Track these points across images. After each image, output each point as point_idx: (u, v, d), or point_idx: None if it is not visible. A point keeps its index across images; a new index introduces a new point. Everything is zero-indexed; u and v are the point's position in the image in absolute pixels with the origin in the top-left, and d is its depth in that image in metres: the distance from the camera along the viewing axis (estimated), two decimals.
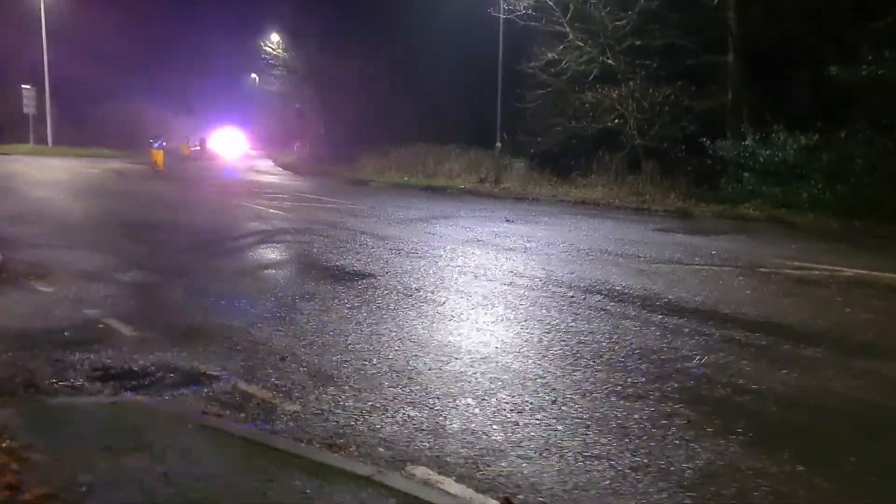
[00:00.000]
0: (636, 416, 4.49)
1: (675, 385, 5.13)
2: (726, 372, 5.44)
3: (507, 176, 24.18)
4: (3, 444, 3.26)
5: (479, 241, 12.04)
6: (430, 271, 9.16)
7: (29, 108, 42.21)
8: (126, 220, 13.63)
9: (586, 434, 4.19)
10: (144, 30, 56.65)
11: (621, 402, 4.75)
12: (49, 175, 24.31)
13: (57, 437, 3.48)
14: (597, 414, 4.50)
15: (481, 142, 26.45)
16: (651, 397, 4.85)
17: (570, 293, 8.10)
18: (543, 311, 7.23)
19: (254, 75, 77.79)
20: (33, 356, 5.17)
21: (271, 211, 15.70)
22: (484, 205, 18.93)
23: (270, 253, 10.51)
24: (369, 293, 7.72)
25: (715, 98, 20.21)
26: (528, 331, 6.43)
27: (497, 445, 4.01)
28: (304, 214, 15.28)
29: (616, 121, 21.62)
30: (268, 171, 34.45)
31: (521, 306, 7.37)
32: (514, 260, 10.18)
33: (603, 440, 4.13)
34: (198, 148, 48.81)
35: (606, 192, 20.81)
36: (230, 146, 51.52)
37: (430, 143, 28.99)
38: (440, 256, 10.31)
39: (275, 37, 48.12)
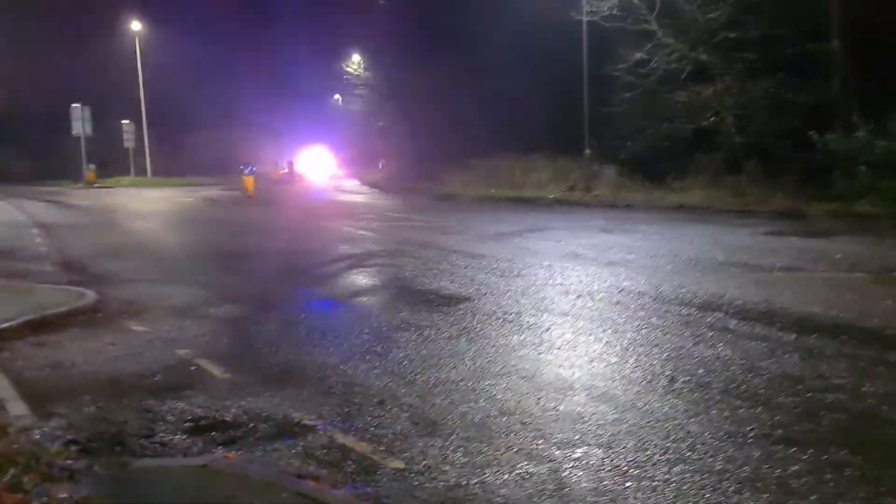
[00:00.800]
0: (794, 469, 3.81)
1: (832, 423, 4.41)
2: (890, 403, 4.68)
3: (598, 183, 23.37)
4: None
5: (576, 255, 11.41)
6: (530, 292, 8.61)
7: (128, 141, 44.07)
8: (219, 250, 13.65)
9: (741, 496, 3.55)
10: (231, 56, 58.29)
11: (771, 448, 4.08)
12: (147, 206, 25.07)
13: None
14: (747, 467, 3.85)
15: (568, 150, 25.68)
16: (806, 441, 4.15)
17: (685, 311, 7.40)
18: (659, 333, 6.58)
19: (337, 96, 79.25)
20: (122, 406, 4.91)
21: (360, 232, 15.49)
22: (576, 215, 18.23)
23: (362, 278, 10.19)
24: (467, 320, 7.24)
25: (820, 89, 18.86)
26: (646, 359, 5.80)
27: None
28: (393, 234, 15.00)
29: (712, 119, 20.54)
30: (354, 191, 34.66)
31: (633, 330, 6.73)
32: (617, 275, 9.51)
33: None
34: (286, 171, 49.79)
35: (704, 195, 19.72)
36: (316, 168, 52.31)
37: (515, 154, 28.41)
38: (537, 275, 9.75)
39: (356, 57, 48.71)
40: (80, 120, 40.15)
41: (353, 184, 41.47)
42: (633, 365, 5.66)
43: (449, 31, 34.19)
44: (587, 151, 23.05)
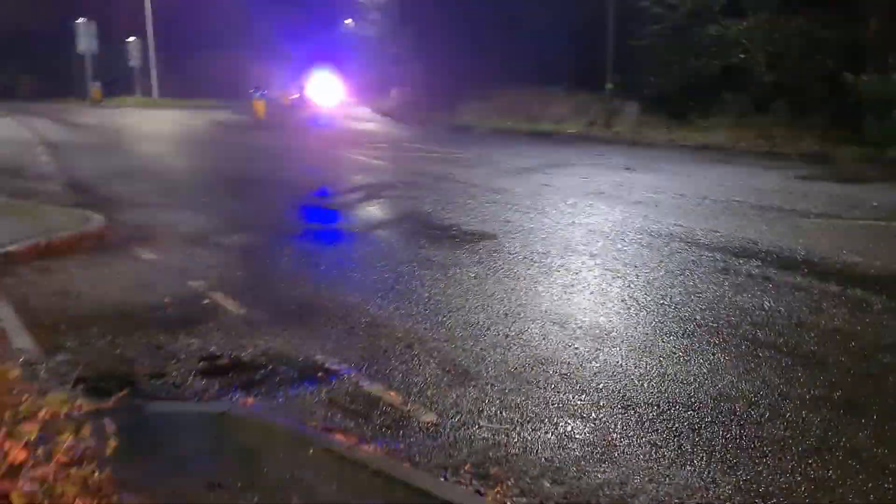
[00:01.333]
0: (862, 436, 3.50)
1: (895, 386, 4.09)
2: None
3: (618, 119, 22.66)
4: (91, 479, 2.62)
5: (601, 193, 10.98)
6: (556, 231, 8.23)
7: (134, 60, 43.09)
8: (229, 175, 13.24)
9: (807, 464, 3.25)
10: None
11: (832, 412, 3.76)
12: (154, 128, 24.53)
13: (156, 467, 2.84)
14: (809, 433, 3.54)
15: (588, 84, 24.86)
16: (869, 406, 3.83)
17: (720, 257, 7.02)
18: (696, 281, 6.21)
19: (349, 20, 77.34)
20: (132, 342, 4.62)
21: (375, 162, 15.04)
22: (597, 151, 17.65)
23: (379, 211, 9.79)
24: (493, 259, 6.89)
25: (855, 29, 17.99)
26: (685, 308, 5.45)
27: (695, 482, 3.13)
28: (409, 165, 14.53)
29: (741, 56, 19.71)
30: (366, 119, 33.92)
31: (668, 276, 6.37)
32: (645, 216, 9.10)
33: (837, 477, 3.18)
34: (296, 96, 48.85)
35: (730, 135, 19.06)
36: (327, 94, 51.27)
37: (533, 86, 27.59)
38: (563, 213, 9.34)
39: None
40: (86, 36, 39.17)
41: (365, 111, 40.63)
42: (673, 315, 5.32)
43: None
44: (609, 86, 22.26)
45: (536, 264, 6.74)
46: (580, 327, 5.02)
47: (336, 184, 12.16)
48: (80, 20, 39.41)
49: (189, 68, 49.33)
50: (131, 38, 42.58)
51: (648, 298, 5.70)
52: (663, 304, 5.58)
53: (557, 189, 11.35)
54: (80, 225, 7.77)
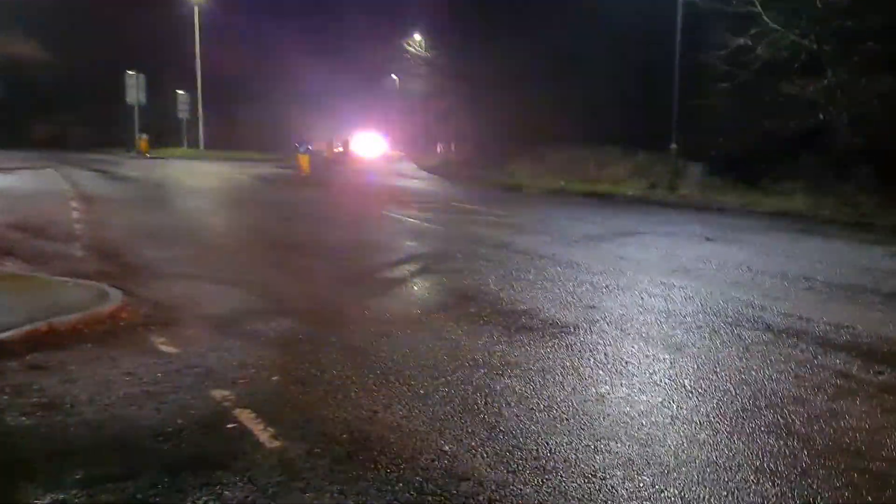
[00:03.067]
0: None
1: None
2: None
3: (683, 182, 21.30)
4: None
5: (686, 270, 9.58)
6: (651, 321, 6.85)
7: (183, 112, 43.20)
8: (271, 240, 12.14)
9: None
10: (288, 30, 57.03)
11: None
12: (197, 182, 23.81)
13: None
14: None
15: (648, 143, 23.67)
16: None
17: (862, 365, 5.56)
18: (847, 402, 4.77)
19: (394, 76, 77.61)
20: (124, 491, 3.33)
21: (426, 225, 13.84)
22: (665, 217, 16.27)
23: (440, 290, 8.47)
24: (584, 365, 5.51)
25: None
26: (845, 441, 4.01)
27: None
28: (463, 230, 13.30)
29: (821, 118, 18.31)
30: (412, 175, 33.03)
31: (809, 393, 4.93)
32: (750, 302, 7.68)
33: None
34: (340, 150, 48.46)
35: (809, 201, 17.56)
36: (371, 148, 50.89)
37: (588, 145, 26.47)
38: (653, 295, 7.96)
39: (418, 36, 47.01)
40: (135, 88, 39.30)
41: (410, 167, 39.86)
42: (826, 444, 3.88)
43: (519, 8, 32.27)
44: (673, 146, 20.95)
45: (638, 371, 5.35)
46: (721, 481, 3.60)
47: (387, 251, 10.95)
48: (130, 73, 39.62)
49: (235, 120, 49.52)
50: (181, 91, 42.71)
51: (799, 422, 4.26)
52: (818, 430, 4.13)
53: (635, 263, 9.98)
54: (92, 303, 6.61)
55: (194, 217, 14.67)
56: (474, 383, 5.05)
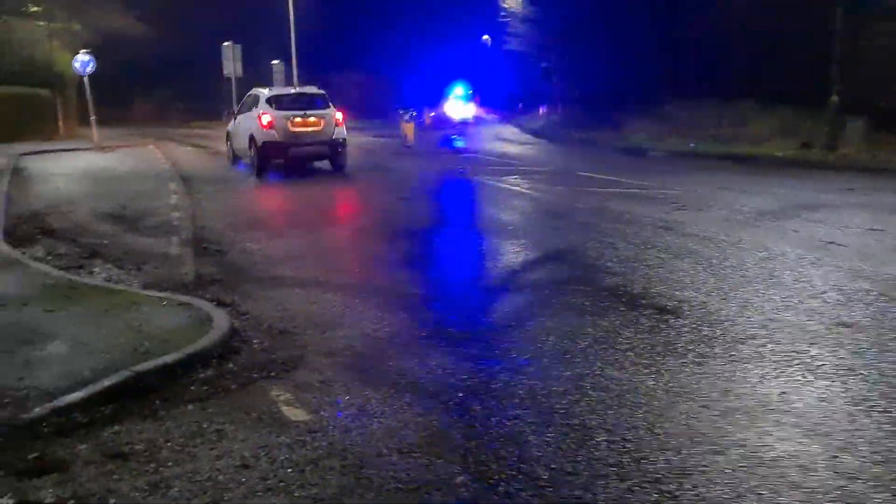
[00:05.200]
0: None
1: None
2: None
3: (840, 140, 18.42)
4: None
5: None
6: None
7: (278, 81, 42.27)
8: (393, 224, 10.51)
9: None
10: None
11: None
12: None
13: None
14: None
15: (790, 96, 20.72)
16: None
17: None
18: None
19: (486, 37, 74.81)
20: None
21: (573, 203, 11.86)
22: (839, 182, 13.69)
23: (627, 311, 6.58)
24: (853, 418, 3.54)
25: None
26: None
27: None
28: (610, 208, 11.23)
29: None
30: (517, 140, 30.93)
31: None
32: None
33: None
34: (433, 114, 46.61)
35: None
36: (466, 111, 48.85)
37: (716, 100, 23.65)
38: None
39: None
40: (231, 59, 38.46)
41: (512, 131, 37.76)
42: None
43: None
44: (834, 98, 18.02)
45: None
46: None
47: (536, 239, 9.05)
48: (226, 43, 38.83)
49: (328, 88, 48.42)
50: (275, 61, 41.82)
51: None
52: None
53: (859, 253, 7.75)
54: (192, 333, 5.06)
55: (301, 197, 13.17)
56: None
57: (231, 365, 4.74)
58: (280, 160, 16.11)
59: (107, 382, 4.23)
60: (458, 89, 49.19)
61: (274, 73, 42.40)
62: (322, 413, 4.05)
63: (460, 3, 57.92)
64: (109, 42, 37.89)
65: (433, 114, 46.24)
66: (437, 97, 49.39)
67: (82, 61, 24.90)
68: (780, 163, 17.83)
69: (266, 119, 15.74)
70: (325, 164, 17.06)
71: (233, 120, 18.71)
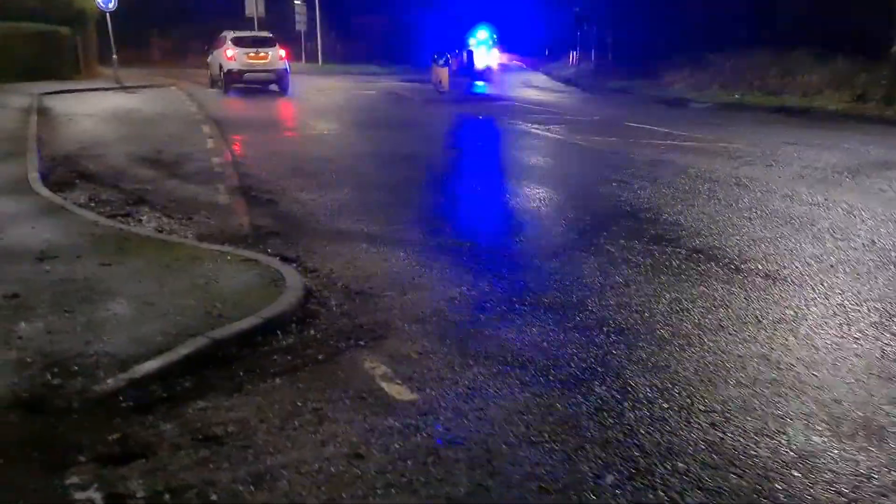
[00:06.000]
0: None
1: None
2: None
3: None
4: None
5: None
6: None
7: (301, 24, 41.23)
8: (448, 177, 9.96)
9: None
10: None
11: None
12: (327, 99, 21.80)
13: None
14: None
15: (845, 46, 19.75)
16: None
17: None
18: None
19: None
20: None
21: (627, 153, 11.24)
22: None
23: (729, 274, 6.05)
24: None
25: None
26: None
27: None
28: (668, 161, 10.60)
29: None
30: (550, 88, 30.04)
31: None
32: None
33: None
34: (458, 60, 45.37)
35: None
36: (492, 57, 47.55)
37: (764, 49, 22.67)
38: None
39: None
40: None
41: (542, 79, 36.76)
42: None
43: None
44: (895, 49, 17.10)
45: None
46: None
47: (607, 197, 8.47)
48: None
49: (350, 32, 47.02)
50: (298, 1, 40.64)
51: None
52: None
53: None
54: (265, 293, 4.59)
55: (340, 142, 12.58)
56: None
57: (312, 331, 4.27)
58: (240, 83, 22.32)
59: (183, 350, 3.77)
60: (482, 33, 47.43)
61: (296, 14, 41.26)
62: (429, 391, 3.58)
63: None
64: None
65: (463, 60, 45.01)
66: (461, 42, 48.05)
67: None
68: (834, 116, 17.03)
69: (230, 53, 22.20)
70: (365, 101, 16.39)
71: (210, 54, 24.69)
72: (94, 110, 16.41)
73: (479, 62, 42.94)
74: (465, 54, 43.37)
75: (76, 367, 3.58)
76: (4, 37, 22.19)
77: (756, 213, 7.36)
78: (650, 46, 29.10)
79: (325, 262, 5.62)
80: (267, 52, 22.52)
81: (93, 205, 7.24)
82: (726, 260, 5.78)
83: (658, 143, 12.50)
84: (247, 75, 22.12)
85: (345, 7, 45.61)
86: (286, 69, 22.81)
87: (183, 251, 5.45)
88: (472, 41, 46.72)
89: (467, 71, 37.92)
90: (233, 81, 22.22)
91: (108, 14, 24.29)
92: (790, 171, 9.74)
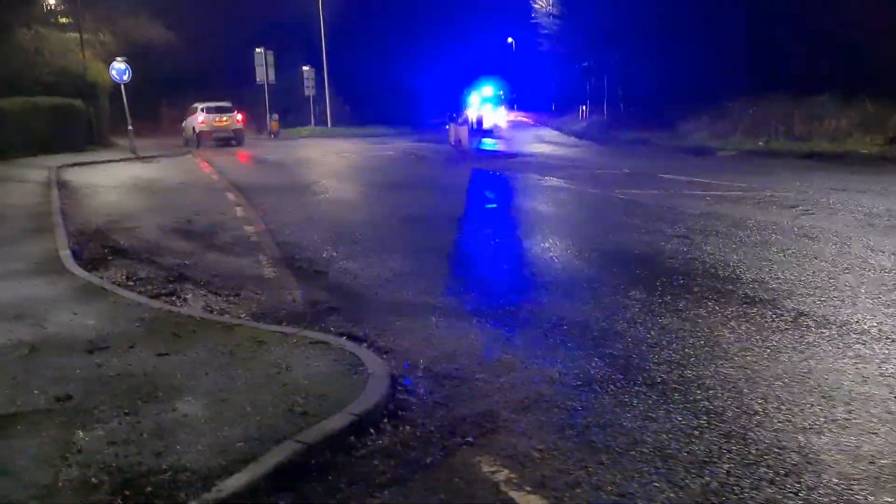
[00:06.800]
0: None
1: None
2: None
3: None
4: None
5: None
6: None
7: (309, 89, 41.52)
8: (494, 238, 9.48)
9: None
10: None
11: None
12: (346, 162, 21.57)
13: None
14: None
15: (872, 90, 19.50)
16: None
17: None
18: None
19: (510, 39, 73.64)
20: None
21: (666, 204, 10.78)
22: None
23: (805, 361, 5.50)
24: None
25: None
26: None
27: None
28: (711, 207, 10.14)
29: None
30: (563, 143, 29.88)
31: None
32: None
33: None
34: (464, 120, 45.30)
35: None
36: (499, 115, 47.69)
37: (784, 95, 22.44)
38: None
39: None
40: (264, 66, 37.86)
41: (553, 133, 36.75)
42: None
43: None
44: None
45: None
46: None
47: (675, 255, 7.96)
48: (259, 49, 38.20)
49: (356, 95, 47.21)
50: (306, 67, 40.94)
51: None
52: None
53: None
54: (345, 386, 4.06)
55: (375, 208, 12.16)
56: None
57: (409, 427, 3.72)
58: (209, 142, 29.11)
59: (272, 460, 3.22)
60: (487, 89, 47.27)
61: (305, 79, 41.53)
62: (568, 501, 3.01)
63: (486, 9, 56.79)
64: (138, 51, 37.25)
65: (462, 119, 45.01)
66: (462, 100, 48.14)
67: (118, 69, 24.23)
68: (869, 160, 16.64)
69: (200, 118, 29.75)
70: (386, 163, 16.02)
71: (185, 119, 31.71)
72: (115, 181, 16.13)
73: (486, 121, 42.99)
74: (467, 113, 43.42)
75: (150, 489, 3.04)
76: (20, 111, 22.13)
77: (840, 265, 6.84)
78: (662, 96, 29.04)
79: (397, 340, 5.10)
80: (228, 117, 30.14)
81: (132, 283, 6.76)
82: (839, 323, 5.23)
83: (702, 193, 12.07)
84: (214, 134, 29.61)
85: (350, 71, 45.93)
86: (241, 129, 30.64)
87: (243, 334, 4.93)
88: (473, 98, 46.63)
89: (477, 129, 37.88)
90: (203, 139, 29.30)
91: (122, 86, 24.32)
92: (851, 219, 9.25)
